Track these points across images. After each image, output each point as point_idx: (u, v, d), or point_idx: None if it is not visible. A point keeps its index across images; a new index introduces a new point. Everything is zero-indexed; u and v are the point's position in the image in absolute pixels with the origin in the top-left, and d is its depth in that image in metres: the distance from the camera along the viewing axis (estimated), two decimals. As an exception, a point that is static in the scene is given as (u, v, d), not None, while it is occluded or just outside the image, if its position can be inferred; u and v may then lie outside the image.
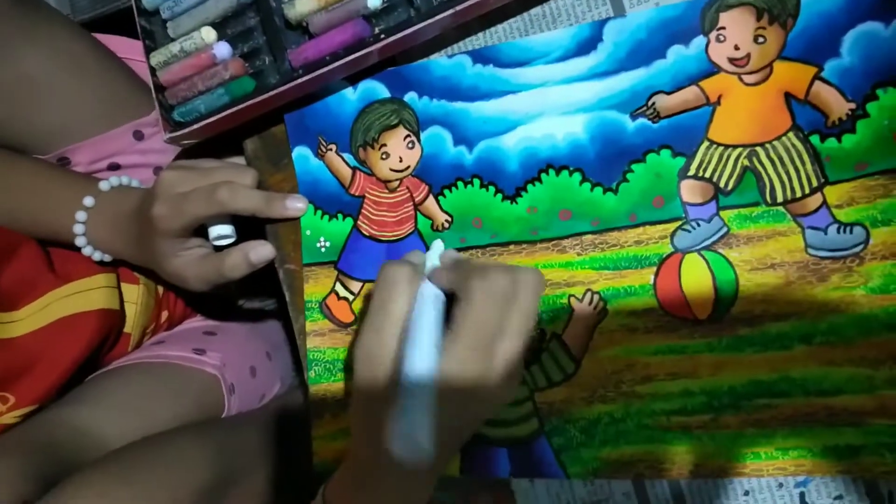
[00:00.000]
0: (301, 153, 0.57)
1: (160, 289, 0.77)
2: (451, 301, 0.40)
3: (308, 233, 0.57)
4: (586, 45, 0.48)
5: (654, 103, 0.47)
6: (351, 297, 0.56)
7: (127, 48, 0.76)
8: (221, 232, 0.58)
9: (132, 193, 0.62)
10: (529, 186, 0.50)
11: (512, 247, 0.50)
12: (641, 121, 0.47)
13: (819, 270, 0.43)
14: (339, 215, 0.56)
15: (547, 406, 0.49)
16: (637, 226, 0.47)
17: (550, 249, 0.49)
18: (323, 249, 0.57)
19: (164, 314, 0.78)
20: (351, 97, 0.55)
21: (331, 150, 0.56)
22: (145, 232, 0.57)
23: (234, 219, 0.58)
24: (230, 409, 0.73)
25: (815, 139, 0.43)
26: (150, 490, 0.53)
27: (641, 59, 0.47)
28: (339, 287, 0.56)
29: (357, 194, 0.56)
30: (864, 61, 0.41)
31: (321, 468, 0.55)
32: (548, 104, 0.49)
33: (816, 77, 0.43)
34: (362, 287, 0.55)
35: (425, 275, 0.41)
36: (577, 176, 0.49)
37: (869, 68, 0.41)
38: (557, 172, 0.49)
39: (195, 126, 0.55)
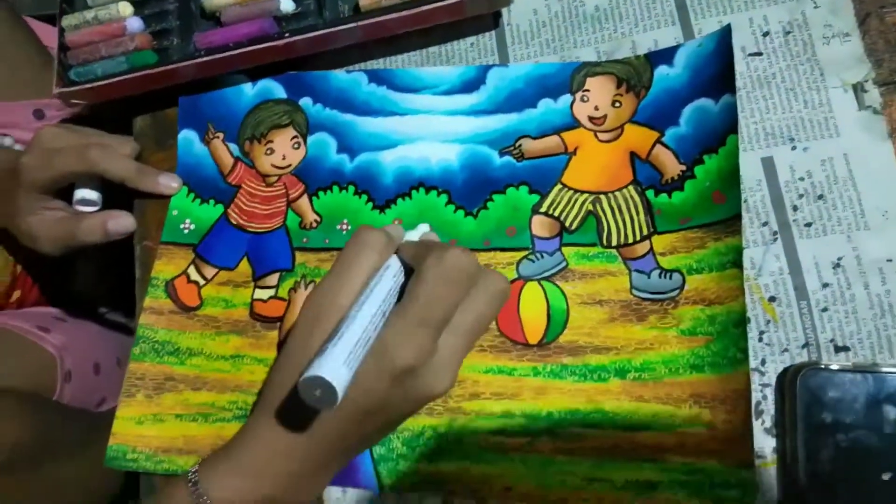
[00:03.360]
0: (187, 136, 0.58)
1: (19, 267, 0.73)
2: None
3: (175, 213, 0.57)
4: (470, 85, 0.53)
5: (520, 144, 0.51)
6: (202, 282, 0.54)
7: (53, 38, 0.77)
8: (87, 196, 0.56)
9: (10, 154, 0.60)
10: (399, 200, 0.52)
11: None
12: (508, 158, 0.51)
13: (640, 310, 0.46)
14: (211, 201, 0.56)
15: None
16: (489, 250, 0.50)
17: None
18: (186, 231, 0.56)
19: (17, 293, 0.73)
20: (248, 92, 0.57)
21: (217, 137, 0.57)
22: (9, 186, 0.55)
23: (104, 190, 0.57)
24: (62, 396, 0.67)
25: (650, 193, 0.48)
26: None
27: (515, 105, 0.52)
28: (191, 270, 0.55)
29: (234, 183, 0.56)
30: (696, 131, 0.47)
31: (116, 453, 0.50)
32: (429, 130, 0.53)
33: (658, 141, 0.48)
34: (216, 274, 0.54)
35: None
36: (443, 197, 0.51)
37: (699, 137, 0.47)
38: (427, 191, 0.52)
39: (87, 86, 0.55)
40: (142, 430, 0.51)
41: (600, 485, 0.43)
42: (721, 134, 0.46)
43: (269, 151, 0.56)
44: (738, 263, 0.44)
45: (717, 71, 0.47)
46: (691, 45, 0.49)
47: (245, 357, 0.51)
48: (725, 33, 0.47)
